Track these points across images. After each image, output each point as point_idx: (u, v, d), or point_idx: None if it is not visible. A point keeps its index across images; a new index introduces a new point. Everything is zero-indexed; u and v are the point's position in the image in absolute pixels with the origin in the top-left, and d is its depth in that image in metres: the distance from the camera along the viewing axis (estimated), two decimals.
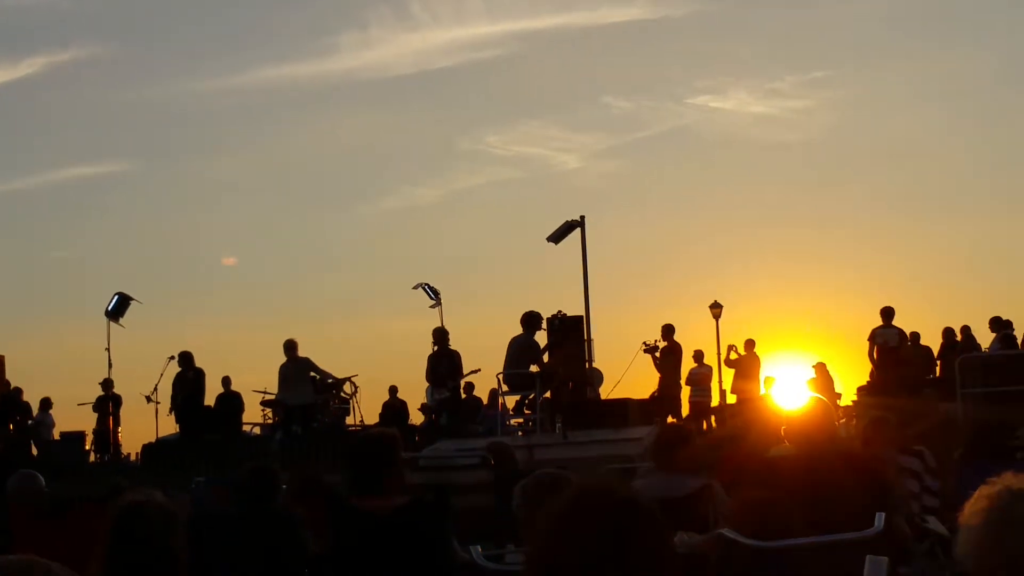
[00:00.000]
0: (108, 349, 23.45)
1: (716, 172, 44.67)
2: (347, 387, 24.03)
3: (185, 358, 22.31)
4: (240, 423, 23.36)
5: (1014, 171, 40.60)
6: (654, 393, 21.98)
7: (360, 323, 41.19)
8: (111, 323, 23.36)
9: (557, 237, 20.44)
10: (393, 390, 25.94)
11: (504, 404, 19.76)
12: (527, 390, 18.58)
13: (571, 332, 18.59)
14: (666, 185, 45.68)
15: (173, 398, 22.39)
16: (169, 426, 23.67)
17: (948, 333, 23.04)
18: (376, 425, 23.20)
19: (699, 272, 44.59)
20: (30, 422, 24.78)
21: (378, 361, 41.01)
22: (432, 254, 42.76)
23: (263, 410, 24.17)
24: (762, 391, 24.20)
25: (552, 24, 43.31)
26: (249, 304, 41.62)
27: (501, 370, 18.63)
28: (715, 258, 43.97)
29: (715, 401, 24.88)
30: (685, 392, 23.24)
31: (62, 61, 42.13)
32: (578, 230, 20.33)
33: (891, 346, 21.72)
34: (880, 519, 5.68)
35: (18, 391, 24.57)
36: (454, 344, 20.92)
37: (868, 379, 22.63)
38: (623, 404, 18.83)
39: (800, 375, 24.45)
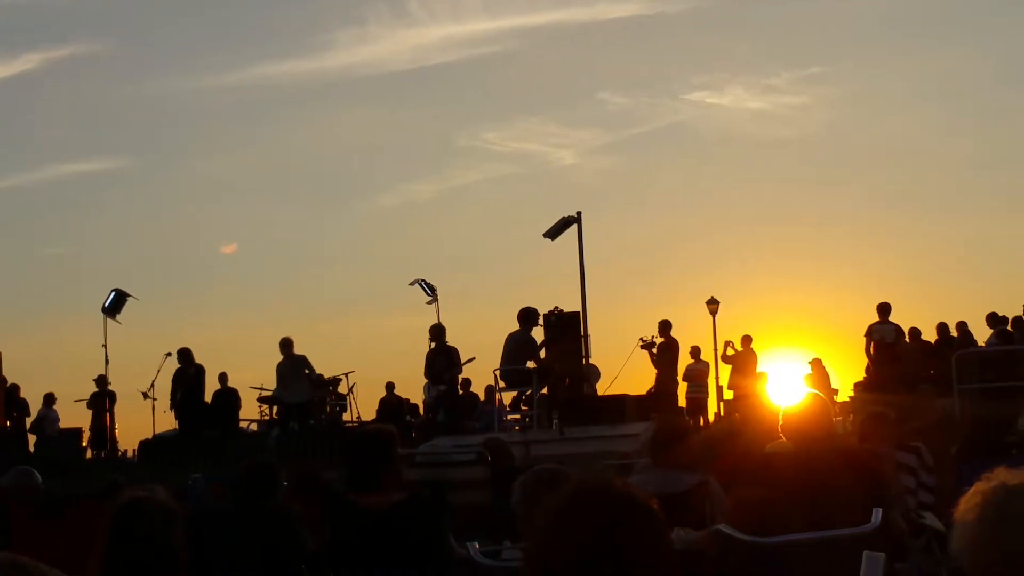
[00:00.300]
0: (105, 345, 23.45)
1: (713, 168, 44.72)
2: (343, 384, 24.06)
3: (184, 355, 22.30)
4: (237, 420, 23.36)
5: (1011, 168, 40.70)
6: (651, 389, 22.00)
7: (357, 319, 41.21)
8: (108, 319, 23.35)
9: (554, 233, 20.44)
10: (390, 386, 25.98)
11: (501, 400, 19.77)
12: (524, 386, 18.59)
13: (568, 328, 18.60)
14: (663, 181, 45.72)
15: (172, 394, 22.37)
16: (166, 423, 23.69)
17: (942, 328, 23.06)
18: (373, 422, 23.22)
19: (696, 268, 44.65)
20: (26, 418, 24.76)
21: (375, 358, 40.99)
22: (429, 250, 42.84)
23: (260, 407, 24.20)
24: (758, 387, 24.24)
25: (549, 20, 43.32)
26: (246, 301, 41.68)
27: (498, 366, 18.65)
28: (712, 254, 43.99)
29: (712, 397, 24.94)
30: (682, 388, 23.26)
31: (59, 57, 42.12)
32: (575, 226, 20.34)
33: (888, 342, 21.74)
34: (877, 515, 5.69)
35: (15, 387, 24.55)
36: (451, 340, 20.95)
37: (864, 375, 22.66)
38: (620, 400, 18.84)
39: (796, 371, 24.49)
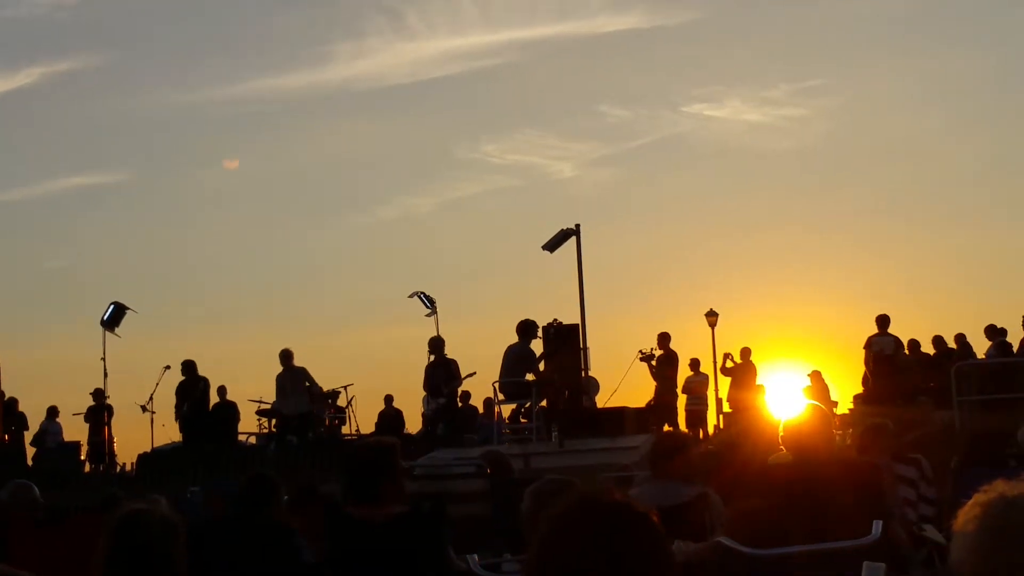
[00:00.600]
0: (104, 359, 23.45)
1: (711, 180, 44.74)
2: (342, 397, 24.05)
3: (189, 367, 22.28)
4: (236, 432, 23.34)
5: (1010, 178, 40.72)
6: (650, 402, 21.99)
7: (356, 332, 41.17)
8: (107, 333, 23.35)
9: (552, 245, 20.43)
10: (389, 399, 25.97)
11: (500, 413, 19.75)
12: (523, 399, 18.58)
13: (567, 340, 18.59)
14: (662, 193, 45.73)
15: (178, 407, 22.31)
16: (164, 436, 23.67)
17: (939, 341, 23.06)
18: (373, 434, 23.21)
19: (695, 280, 44.60)
20: (25, 431, 24.74)
21: (374, 370, 40.96)
22: (428, 263, 42.80)
23: (259, 419, 24.17)
24: (757, 400, 24.24)
25: (548, 33, 43.34)
26: (245, 313, 41.66)
27: (497, 379, 18.63)
28: (711, 266, 43.94)
29: (711, 409, 24.93)
30: (681, 400, 23.25)
31: (59, 71, 42.15)
32: (574, 238, 20.33)
33: (887, 354, 21.74)
34: (877, 527, 5.69)
35: (14, 401, 24.53)
36: (450, 353, 20.95)
37: (863, 387, 22.65)
38: (619, 412, 18.81)
39: (796, 383, 24.47)
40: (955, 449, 11.76)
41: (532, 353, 18.40)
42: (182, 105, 43.01)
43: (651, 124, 44.75)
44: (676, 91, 45.55)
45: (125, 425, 26.88)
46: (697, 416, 23.96)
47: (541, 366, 18.37)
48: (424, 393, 22.01)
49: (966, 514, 2.75)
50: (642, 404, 21.68)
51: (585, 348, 19.34)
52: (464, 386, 21.92)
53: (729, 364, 24.18)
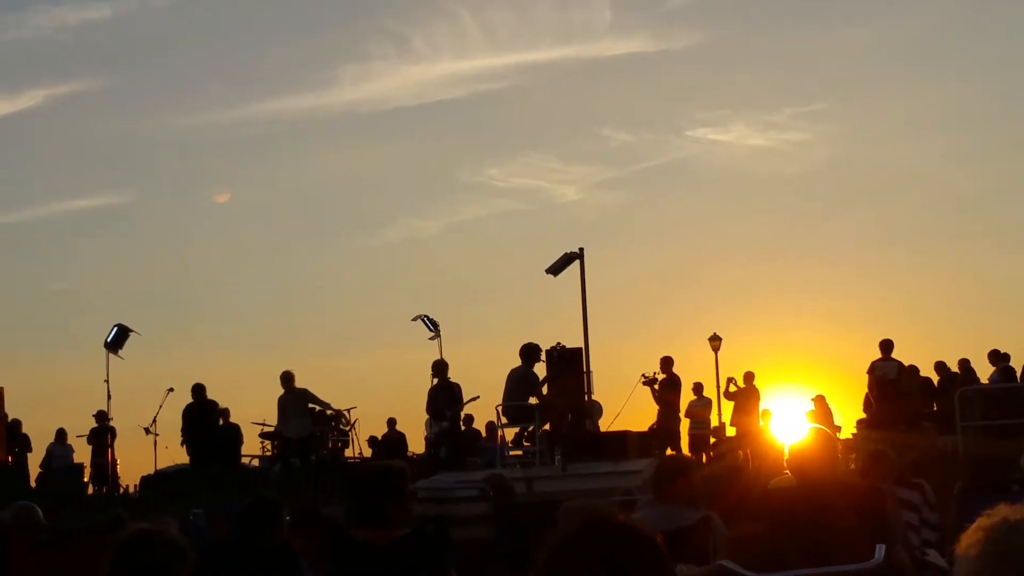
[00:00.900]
0: (107, 381, 23.43)
1: (715, 204, 44.79)
2: (344, 420, 24.03)
3: (198, 390, 22.27)
4: (239, 455, 23.33)
5: (1013, 203, 40.71)
6: (652, 426, 21.97)
7: (359, 355, 41.18)
8: (110, 355, 23.35)
9: (556, 269, 20.44)
10: (392, 422, 25.95)
11: (503, 436, 19.74)
12: (526, 422, 18.57)
13: (570, 364, 18.58)
14: (665, 217, 45.79)
15: (186, 430, 22.26)
16: (167, 458, 23.66)
17: (941, 367, 23.04)
18: (373, 458, 23.21)
19: (698, 304, 44.58)
20: (28, 453, 24.74)
21: (377, 393, 40.96)
22: (432, 286, 42.83)
23: (262, 442, 24.16)
24: (761, 424, 24.21)
25: (552, 57, 43.47)
26: (248, 335, 41.65)
27: (500, 402, 18.63)
28: (714, 290, 43.97)
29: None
30: (684, 424, 23.23)
31: (62, 94, 42.30)
32: (577, 262, 20.34)
33: (890, 379, 21.71)
34: (881, 551, 5.69)
35: (17, 422, 24.54)
36: (453, 376, 20.94)
37: (865, 412, 22.61)
38: (622, 436, 18.80)
39: (799, 408, 24.43)
40: (958, 474, 11.76)
41: (535, 377, 18.40)
42: (185, 128, 43.18)
43: (655, 148, 44.89)
44: (680, 115, 45.69)
45: (128, 447, 26.92)
46: (700, 441, 23.92)
47: (544, 390, 18.37)
48: (427, 416, 22.00)
49: (969, 538, 2.75)
50: (645, 428, 21.67)
51: (588, 372, 19.33)
52: (467, 409, 21.92)
53: (732, 388, 24.17)
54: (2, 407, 23.62)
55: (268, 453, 23.83)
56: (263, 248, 43.95)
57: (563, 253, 20.44)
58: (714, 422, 24.96)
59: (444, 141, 44.92)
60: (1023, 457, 11.70)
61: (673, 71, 43.85)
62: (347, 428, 24.10)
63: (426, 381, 21.07)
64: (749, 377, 24.12)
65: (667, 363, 22.30)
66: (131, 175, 44.33)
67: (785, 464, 6.85)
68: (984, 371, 22.18)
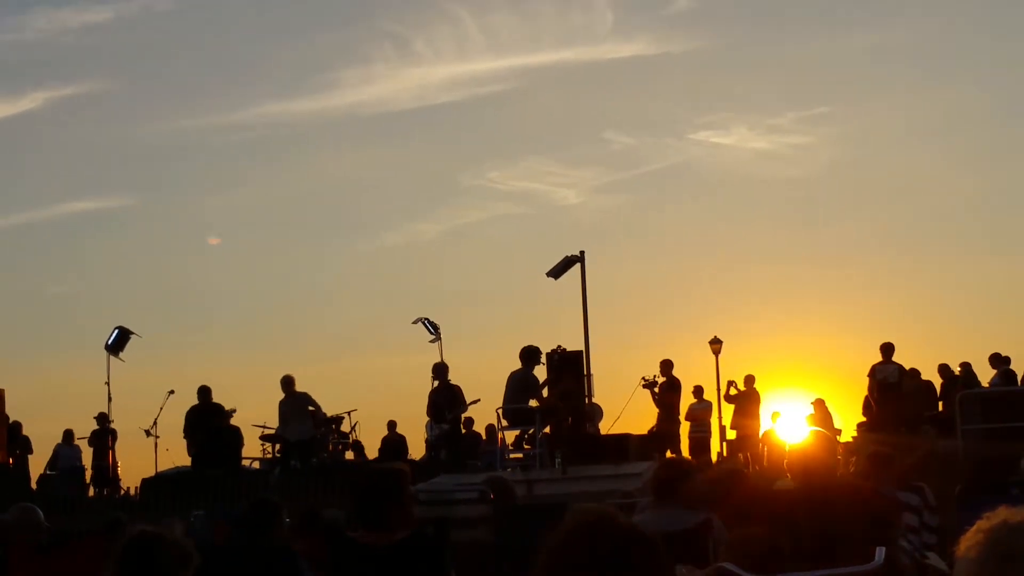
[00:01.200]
0: (108, 383, 23.44)
1: (717, 208, 44.74)
2: (346, 422, 24.03)
3: (204, 393, 22.26)
4: (240, 458, 23.32)
5: (1014, 208, 40.71)
6: (652, 429, 21.96)
7: (360, 358, 41.13)
8: (111, 357, 23.36)
9: (557, 272, 20.46)
10: (392, 425, 25.95)
11: (503, 439, 19.75)
12: (526, 425, 18.58)
13: (571, 367, 18.60)
14: (666, 221, 45.74)
15: (191, 431, 22.19)
16: (168, 460, 23.65)
17: (944, 369, 23.04)
18: (376, 460, 23.21)
19: (699, 308, 44.52)
20: (28, 455, 24.75)
21: (378, 396, 40.93)
22: (432, 289, 42.75)
23: (263, 445, 24.15)
24: (763, 426, 24.25)
25: (553, 60, 43.44)
26: (249, 339, 41.62)
27: (500, 405, 18.64)
28: (715, 294, 43.87)
29: (714, 437, 24.91)
30: (684, 428, 23.23)
31: (64, 96, 42.26)
32: (578, 265, 20.36)
33: (891, 382, 21.73)
34: (881, 553, 5.69)
35: (18, 424, 24.54)
36: (454, 379, 20.95)
37: (865, 415, 22.62)
38: (623, 439, 18.81)
39: (799, 411, 24.43)
40: (958, 477, 11.77)
41: (535, 379, 18.41)
42: (187, 130, 43.15)
43: (657, 151, 44.85)
44: (682, 118, 45.59)
45: (128, 449, 26.92)
46: (700, 444, 23.93)
47: (544, 392, 18.39)
48: (427, 419, 22.00)
49: (969, 540, 2.75)
50: (645, 431, 21.66)
51: (589, 375, 19.35)
52: (467, 412, 21.92)
53: (733, 392, 24.19)
54: (3, 409, 23.62)
55: (269, 456, 23.81)
56: (263, 251, 43.94)
57: (564, 256, 20.46)
58: (714, 426, 25.01)
59: (445, 144, 44.93)
60: (1023, 460, 11.71)
61: (675, 74, 43.85)
62: (349, 431, 24.07)
63: (427, 384, 21.10)
64: (749, 380, 24.13)
65: (667, 366, 22.30)
66: (132, 178, 44.32)
67: (785, 466, 6.86)
68: (985, 375, 22.19)
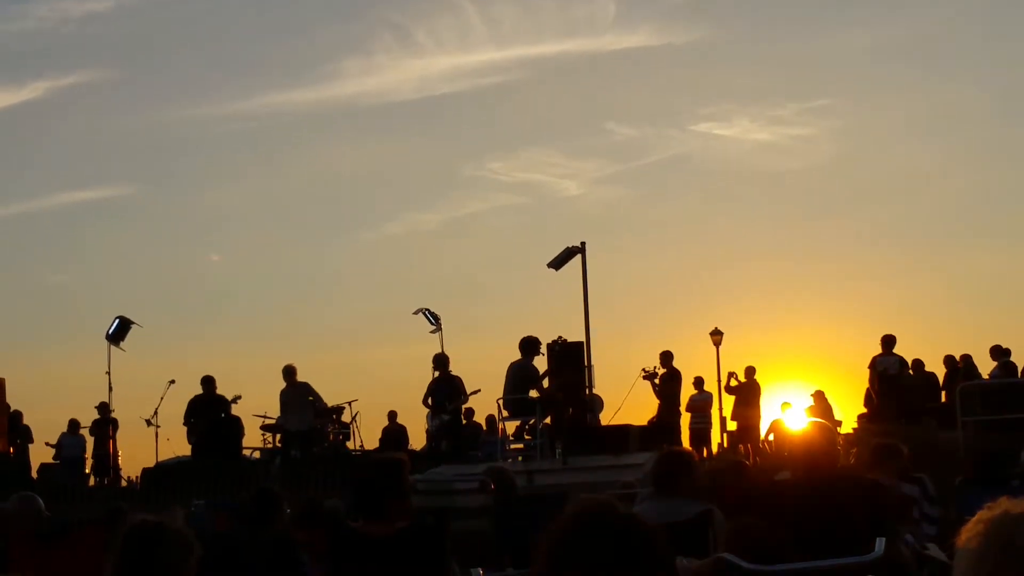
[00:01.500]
0: (108, 373, 23.46)
1: (718, 199, 44.70)
2: (347, 413, 24.03)
3: (208, 382, 22.26)
4: (240, 448, 23.33)
5: (1016, 201, 40.70)
6: (652, 419, 21.96)
7: (360, 348, 41.20)
8: (111, 347, 23.37)
9: (558, 263, 20.44)
10: (392, 415, 25.95)
11: (504, 430, 19.76)
12: (527, 415, 18.58)
13: (571, 358, 18.59)
14: (668, 212, 45.72)
15: (192, 420, 22.20)
16: (169, 450, 23.67)
17: (950, 361, 23.03)
18: (377, 450, 23.23)
19: (700, 299, 44.60)
20: (29, 444, 24.76)
21: (378, 386, 40.94)
22: (433, 280, 42.77)
23: (263, 435, 24.16)
24: (763, 417, 24.27)
25: (555, 51, 43.45)
26: (250, 328, 41.64)
27: (500, 396, 18.65)
28: (716, 285, 43.96)
29: (715, 428, 24.93)
30: (685, 419, 23.24)
31: (64, 86, 42.27)
32: (579, 256, 20.34)
33: (891, 374, 21.73)
34: (880, 544, 5.69)
35: (18, 414, 24.56)
36: (454, 370, 20.95)
37: (866, 407, 22.62)
38: (623, 430, 18.82)
39: (799, 403, 24.44)
40: (958, 469, 11.76)
41: (534, 370, 18.41)
42: (188, 120, 43.14)
43: (658, 143, 44.84)
44: (684, 110, 45.62)
45: (129, 439, 26.93)
46: (701, 435, 23.94)
47: (545, 383, 18.39)
48: (427, 409, 22.02)
49: (969, 531, 2.75)
50: (645, 422, 21.67)
51: (589, 366, 19.34)
52: (468, 402, 21.93)
53: (733, 383, 24.20)
54: (4, 398, 23.63)
55: (269, 446, 23.82)
56: (264, 241, 43.97)
57: (565, 247, 20.44)
58: (715, 417, 25.02)
59: (446, 135, 44.92)
60: (1023, 452, 11.71)
61: (677, 65, 43.81)
62: (349, 421, 24.05)
63: (427, 374, 21.09)
64: (750, 371, 24.15)
65: (667, 357, 22.30)
66: (133, 168, 44.33)
67: (786, 457, 6.86)
68: (987, 367, 22.20)
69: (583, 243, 20.47)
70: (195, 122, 43.26)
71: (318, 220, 45.31)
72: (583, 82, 43.95)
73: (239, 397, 22.88)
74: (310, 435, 22.09)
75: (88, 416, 24.65)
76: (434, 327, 24.97)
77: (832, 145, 43.61)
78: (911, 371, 22.27)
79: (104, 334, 23.45)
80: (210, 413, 22.13)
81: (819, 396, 24.10)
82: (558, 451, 17.49)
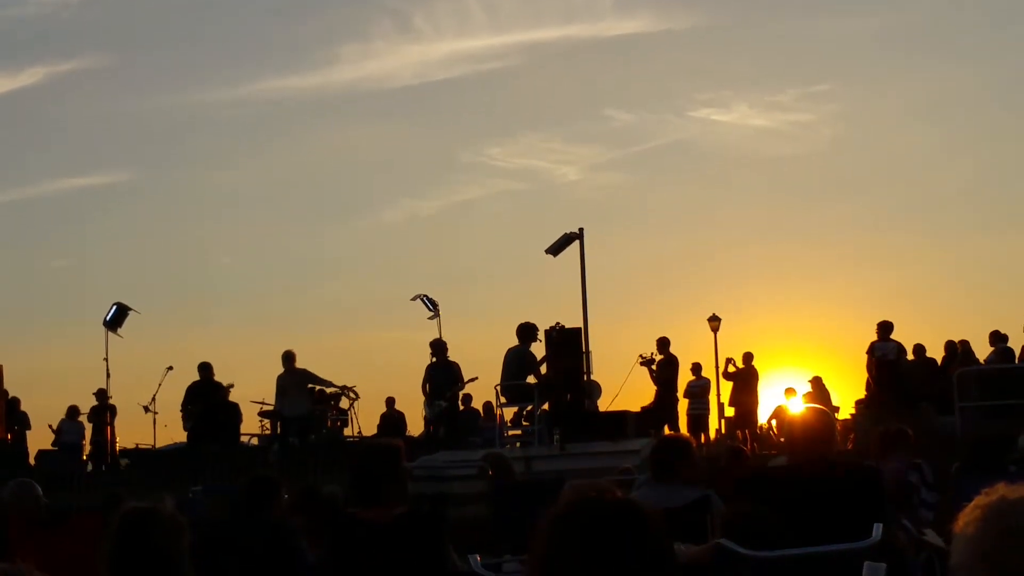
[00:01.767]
0: (106, 359, 23.46)
1: (717, 185, 44.67)
2: (344, 400, 24.04)
3: (205, 368, 22.26)
4: (238, 434, 23.34)
5: (1014, 186, 40.68)
6: (649, 405, 21.96)
7: (359, 334, 41.18)
8: (109, 333, 23.36)
9: (556, 249, 20.44)
10: (390, 401, 25.96)
11: (502, 416, 19.78)
12: (525, 402, 18.60)
13: (569, 344, 18.60)
14: (666, 198, 45.70)
15: (185, 405, 22.21)
16: (167, 436, 23.69)
17: (950, 346, 23.02)
18: (375, 436, 23.24)
19: (698, 285, 44.65)
20: (27, 431, 24.76)
21: (376, 372, 40.97)
22: (431, 266, 42.78)
23: (261, 421, 24.18)
24: (761, 404, 24.27)
25: (554, 36, 43.38)
26: (248, 315, 41.63)
27: (498, 382, 18.66)
28: (714, 271, 43.95)
29: (713, 414, 24.94)
30: (683, 405, 23.25)
31: (63, 71, 42.19)
32: (577, 242, 20.34)
33: (889, 359, 21.73)
34: (877, 530, 5.69)
35: (16, 400, 24.55)
36: (452, 356, 20.96)
37: (865, 393, 22.63)
38: (621, 416, 18.84)
39: (797, 389, 24.42)
40: (956, 454, 11.77)
41: (532, 356, 18.43)
42: (187, 106, 43.07)
43: (657, 129, 44.79)
44: (682, 96, 45.51)
45: (127, 425, 26.96)
46: (699, 421, 23.96)
47: (542, 369, 18.40)
48: (424, 396, 22.02)
49: (967, 517, 2.75)
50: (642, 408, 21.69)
51: (587, 352, 19.35)
52: (465, 389, 21.95)
53: (731, 369, 24.20)
54: (1, 385, 23.62)
55: (267, 432, 23.83)
56: (263, 227, 43.93)
57: (563, 233, 20.44)
58: (712, 403, 25.04)
59: (445, 121, 44.89)
60: (1021, 437, 11.71)
61: (675, 51, 43.74)
62: (352, 401, 24.02)
63: (425, 361, 21.10)
64: (748, 358, 24.14)
65: (663, 343, 22.30)
66: (131, 153, 44.27)
67: (782, 443, 6.87)
68: (985, 353, 22.19)
69: (581, 229, 20.47)
70: (194, 108, 43.22)
71: (316, 206, 45.31)
72: (582, 68, 43.92)
73: (232, 385, 22.90)
74: (308, 421, 22.09)
75: (86, 402, 24.67)
76: (432, 313, 24.99)
77: (831, 131, 43.61)
78: (912, 356, 22.27)
79: (102, 320, 23.46)
80: (207, 398, 22.13)
81: (817, 382, 24.11)
82: (556, 437, 17.51)
